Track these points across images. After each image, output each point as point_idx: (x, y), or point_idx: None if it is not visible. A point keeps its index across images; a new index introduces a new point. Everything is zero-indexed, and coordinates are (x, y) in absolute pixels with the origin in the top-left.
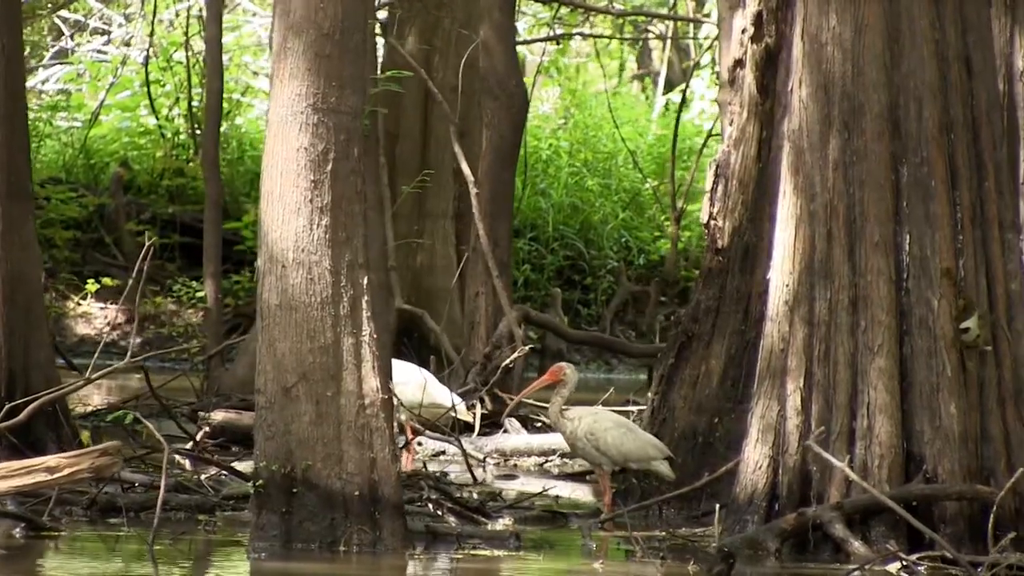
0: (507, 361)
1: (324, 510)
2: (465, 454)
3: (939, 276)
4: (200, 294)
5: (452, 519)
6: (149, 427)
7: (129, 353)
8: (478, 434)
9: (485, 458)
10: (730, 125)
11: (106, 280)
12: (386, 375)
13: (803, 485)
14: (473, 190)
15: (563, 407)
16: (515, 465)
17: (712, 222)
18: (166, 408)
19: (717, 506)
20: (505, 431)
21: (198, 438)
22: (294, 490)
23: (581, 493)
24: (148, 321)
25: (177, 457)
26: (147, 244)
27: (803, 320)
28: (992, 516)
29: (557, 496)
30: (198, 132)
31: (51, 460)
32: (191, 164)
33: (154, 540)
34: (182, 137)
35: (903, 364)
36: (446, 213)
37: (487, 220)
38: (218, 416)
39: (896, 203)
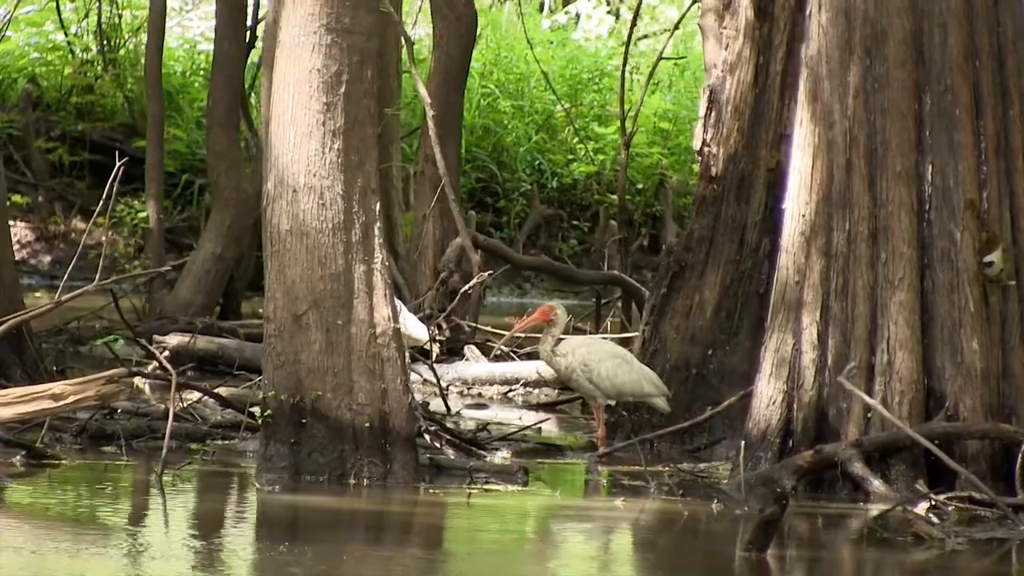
0: (467, 287)
1: (333, 442)
2: (440, 385)
3: (962, 208)
4: (142, 215)
5: (450, 452)
6: (155, 354)
7: (99, 274)
8: (436, 362)
9: (448, 387)
10: (724, 50)
11: (16, 197)
12: (395, 303)
13: (819, 421)
14: (429, 112)
15: (553, 345)
16: (479, 394)
17: (705, 149)
18: (133, 331)
19: (742, 443)
20: (465, 359)
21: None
22: (303, 421)
23: (548, 425)
24: (58, 240)
25: (138, 382)
26: (118, 164)
27: (820, 252)
28: (1021, 457)
29: (539, 428)
30: (107, 48)
31: (56, 387)
32: (100, 81)
33: (163, 472)
34: (91, 53)
35: (924, 298)
36: None
37: (440, 143)
38: (172, 340)
39: (919, 132)
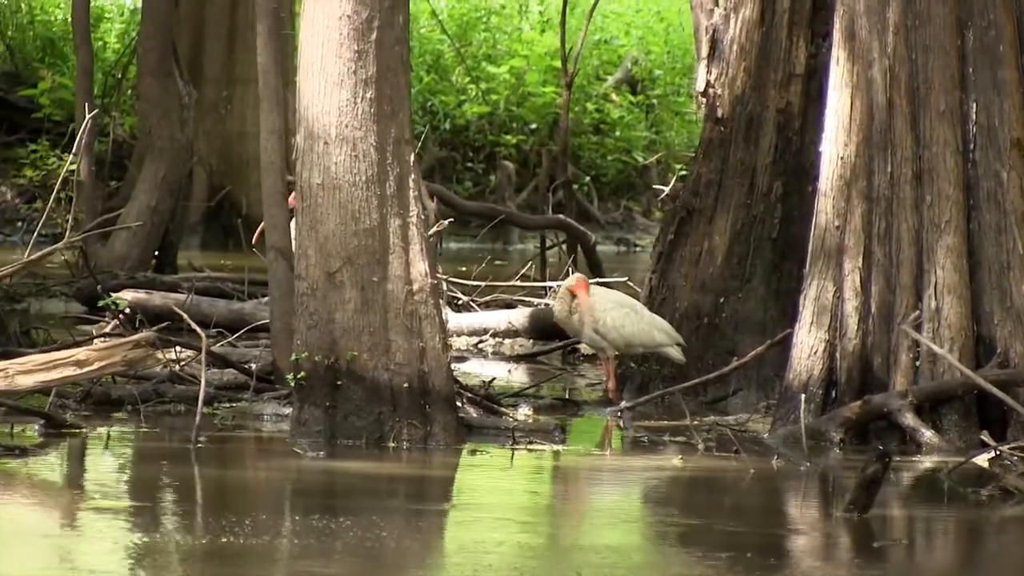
0: (428, 235)
1: (371, 403)
2: None
3: (1008, 147)
4: (72, 167)
5: (471, 410)
6: (183, 315)
7: (68, 233)
8: None
9: None
10: None
11: None
12: (433, 258)
13: (864, 371)
14: None
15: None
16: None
17: (710, 90)
18: (101, 286)
19: (803, 396)
20: None
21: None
22: (338, 383)
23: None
24: None
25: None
26: (87, 118)
27: (861, 195)
28: None
29: (539, 383)
30: None
31: (80, 353)
32: None
33: (196, 439)
34: None
35: (970, 241)
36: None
37: None
38: (126, 296)
39: (962, 69)
